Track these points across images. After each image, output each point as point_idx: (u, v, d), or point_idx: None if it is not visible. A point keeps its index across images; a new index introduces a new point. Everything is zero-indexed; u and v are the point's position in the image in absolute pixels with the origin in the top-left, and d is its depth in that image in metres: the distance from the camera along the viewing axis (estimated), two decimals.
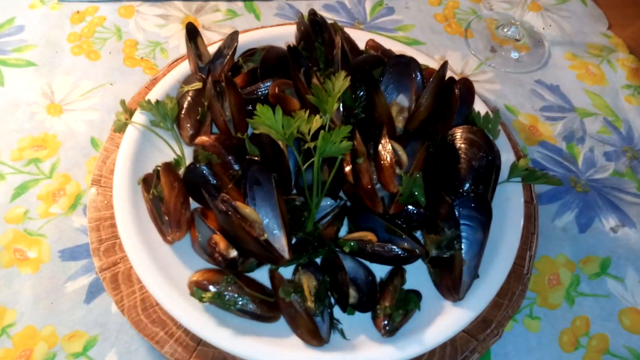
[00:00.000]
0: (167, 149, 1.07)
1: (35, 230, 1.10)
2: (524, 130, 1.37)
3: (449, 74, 1.09)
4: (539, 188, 1.23)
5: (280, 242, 0.88)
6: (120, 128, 1.09)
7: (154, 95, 1.11)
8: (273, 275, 0.88)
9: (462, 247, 0.90)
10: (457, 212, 0.91)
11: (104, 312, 1.02)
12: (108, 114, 1.28)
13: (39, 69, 1.36)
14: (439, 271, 0.92)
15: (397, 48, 1.23)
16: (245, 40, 1.20)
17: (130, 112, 1.10)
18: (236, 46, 1.13)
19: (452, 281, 0.90)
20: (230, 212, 0.82)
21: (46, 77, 1.34)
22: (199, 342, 0.92)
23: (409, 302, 0.89)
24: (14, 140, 1.23)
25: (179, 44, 1.43)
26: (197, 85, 1.09)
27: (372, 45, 1.21)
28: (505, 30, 1.55)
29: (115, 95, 1.32)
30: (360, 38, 1.25)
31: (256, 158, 0.89)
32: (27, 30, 1.43)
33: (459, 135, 1.00)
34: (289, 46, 1.03)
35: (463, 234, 0.92)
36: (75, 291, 1.04)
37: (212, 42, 1.26)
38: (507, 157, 1.09)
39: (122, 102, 1.09)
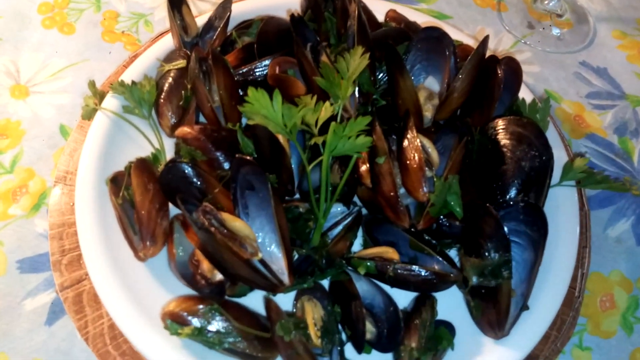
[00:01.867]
0: (144, 142, 0.88)
1: None
2: (569, 120, 1.17)
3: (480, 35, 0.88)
4: (588, 191, 1.04)
5: (279, 264, 0.70)
6: (89, 114, 0.90)
7: (129, 75, 0.92)
8: (269, 306, 0.70)
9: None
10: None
11: (69, 337, 0.85)
12: (81, 97, 1.08)
13: (2, 43, 1.17)
14: (481, 303, 0.73)
15: (423, 20, 1.02)
16: (241, 10, 1.01)
17: (101, 96, 0.91)
18: (229, 16, 0.94)
19: (496, 316, 0.71)
20: (213, 228, 0.63)
21: (11, 53, 1.16)
22: None
23: (441, 340, 0.71)
24: None
25: (167, 16, 1.23)
26: (181, 63, 0.89)
27: (394, 16, 1.01)
28: (545, 2, 1.34)
29: (91, 75, 1.13)
30: (379, 9, 1.05)
31: (248, 157, 0.70)
32: None
33: (504, 129, 0.80)
34: (292, 15, 0.83)
35: None
36: (34, 310, 0.87)
37: (204, 12, 1.06)
38: (557, 155, 0.89)
39: (91, 84, 0.90)
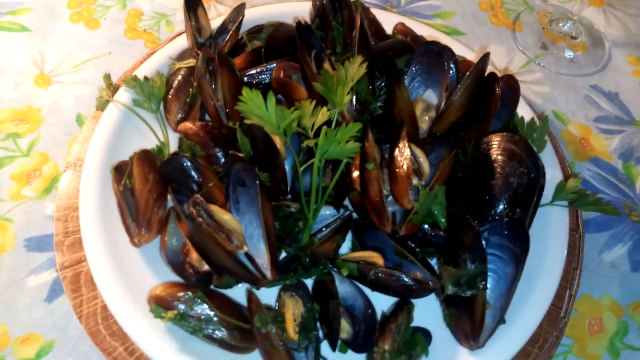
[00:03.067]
0: (151, 135, 0.92)
1: (3, 213, 0.98)
2: (574, 142, 1.16)
3: (490, 69, 0.90)
4: (586, 213, 1.04)
5: (263, 257, 0.73)
6: (102, 106, 0.95)
7: (142, 71, 0.97)
8: (250, 298, 0.72)
9: (488, 284, 0.72)
10: (485, 240, 0.74)
11: (66, 315, 0.89)
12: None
13: (31, 34, 1.23)
14: (456, 312, 0.74)
15: (430, 34, 1.05)
16: (254, 16, 1.05)
17: (115, 89, 0.96)
18: (241, 20, 0.98)
19: (470, 325, 0.72)
20: (201, 218, 0.67)
21: (39, 43, 1.22)
22: None
23: (415, 345, 0.72)
24: None
25: None
26: (191, 62, 0.94)
27: (401, 29, 1.04)
28: (560, 25, 1.34)
29: (111, 69, 1.18)
30: (389, 21, 1.08)
31: (241, 154, 0.73)
32: None
33: (497, 145, 0.82)
34: (298, 22, 0.86)
35: (490, 267, 0.74)
36: (36, 287, 0.91)
37: (222, 14, 1.10)
38: (552, 174, 0.90)
39: (107, 77, 0.95)
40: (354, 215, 0.86)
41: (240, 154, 0.73)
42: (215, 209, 0.70)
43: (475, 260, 0.71)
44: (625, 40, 1.36)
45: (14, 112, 1.11)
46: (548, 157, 0.91)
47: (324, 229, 0.83)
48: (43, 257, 0.95)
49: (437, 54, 0.87)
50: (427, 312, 0.80)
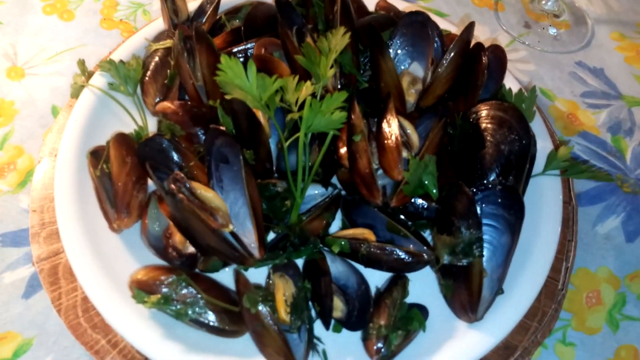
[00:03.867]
0: (128, 119, 0.89)
1: None
2: (562, 118, 1.15)
3: (478, 37, 0.88)
4: (578, 187, 1.02)
5: (250, 236, 0.69)
6: (77, 92, 0.91)
7: (118, 55, 0.94)
8: (238, 278, 0.69)
9: (484, 253, 0.70)
10: (479, 209, 0.71)
11: (44, 310, 0.85)
12: None
13: (3, 27, 1.19)
14: (452, 283, 0.71)
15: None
16: None
17: (90, 75, 0.92)
18: (219, 1, 0.94)
19: (468, 297, 0.69)
20: (182, 195, 0.63)
21: (10, 37, 1.18)
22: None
23: (411, 320, 0.69)
24: None
25: None
26: (168, 43, 0.90)
27: (384, 6, 1.02)
28: (543, 2, 1.33)
29: (87, 60, 1.13)
30: (371, 1, 1.05)
31: (222, 128, 0.70)
32: None
33: (485, 113, 0.80)
34: None
35: (485, 237, 0.72)
36: (12, 283, 0.87)
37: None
38: (542, 145, 0.89)
39: (80, 62, 0.92)
40: (343, 193, 0.83)
41: (222, 128, 0.70)
42: (197, 185, 0.67)
43: (470, 226, 0.68)
44: (608, 18, 1.36)
45: None
46: (537, 128, 0.89)
47: (312, 210, 0.80)
48: (19, 252, 0.90)
49: (421, 24, 0.84)
50: (423, 288, 0.77)
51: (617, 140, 1.12)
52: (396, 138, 0.73)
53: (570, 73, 1.24)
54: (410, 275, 0.76)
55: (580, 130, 1.13)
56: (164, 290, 0.67)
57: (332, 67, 0.75)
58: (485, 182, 0.75)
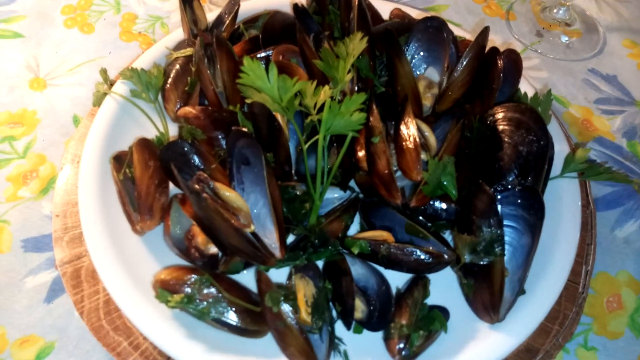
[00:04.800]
0: (149, 126, 0.90)
1: None
2: (577, 124, 1.16)
3: (489, 45, 0.89)
4: (595, 192, 1.02)
5: (271, 237, 0.70)
6: (99, 100, 0.93)
7: (140, 63, 0.96)
8: (260, 277, 0.69)
9: (505, 253, 0.70)
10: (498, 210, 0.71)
11: (66, 314, 0.86)
12: None
13: (25, 40, 1.23)
14: (474, 283, 0.71)
15: None
16: (250, 7, 1.04)
17: (112, 84, 0.95)
18: (237, 10, 0.97)
19: (490, 297, 0.69)
20: (205, 194, 0.64)
21: (33, 49, 1.21)
22: (168, 357, 0.74)
23: (433, 321, 0.69)
24: None
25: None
26: (188, 51, 0.92)
27: (398, 14, 1.03)
28: (554, 11, 1.35)
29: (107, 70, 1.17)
30: (385, 9, 1.07)
31: (245, 129, 0.71)
32: (18, 1, 1.30)
33: (502, 115, 0.80)
34: (295, 5, 0.86)
35: (506, 238, 0.72)
36: (35, 288, 0.88)
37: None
38: (559, 149, 0.89)
39: (103, 71, 0.94)
40: (361, 196, 0.84)
41: (244, 129, 0.71)
42: (219, 186, 0.68)
43: (490, 225, 0.68)
44: (619, 25, 1.37)
45: (9, 115, 1.09)
46: (554, 132, 0.89)
47: (330, 213, 0.81)
48: (41, 257, 0.92)
49: (437, 29, 0.86)
50: (444, 290, 0.77)
51: (633, 145, 1.12)
52: (414, 139, 0.74)
53: (583, 80, 1.24)
54: (431, 278, 0.76)
55: (596, 136, 1.13)
56: (187, 290, 0.67)
57: (349, 71, 0.76)
58: (504, 183, 0.75)
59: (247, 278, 0.77)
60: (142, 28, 1.28)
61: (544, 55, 1.28)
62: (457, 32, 0.99)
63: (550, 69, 1.26)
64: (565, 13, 1.34)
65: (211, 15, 1.04)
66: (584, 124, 1.16)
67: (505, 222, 0.73)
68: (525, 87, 0.95)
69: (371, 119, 0.76)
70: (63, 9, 1.30)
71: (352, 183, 0.86)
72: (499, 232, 0.68)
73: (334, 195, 0.84)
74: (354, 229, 0.84)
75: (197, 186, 0.65)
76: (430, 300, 0.74)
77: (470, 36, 1.04)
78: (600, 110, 1.19)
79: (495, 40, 1.31)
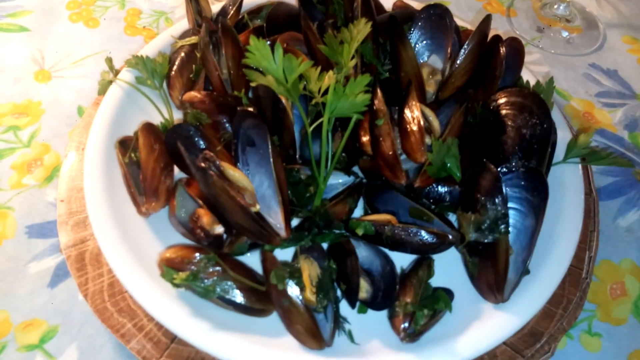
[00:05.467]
0: (154, 113, 0.91)
1: (3, 202, 0.96)
2: (578, 116, 1.16)
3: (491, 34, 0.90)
4: (597, 182, 1.03)
5: (276, 217, 0.70)
6: (105, 89, 0.94)
7: (145, 52, 0.97)
8: (265, 256, 0.70)
9: (509, 238, 0.70)
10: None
11: (69, 299, 0.86)
12: None
13: (31, 34, 1.24)
14: (478, 261, 0.71)
15: None
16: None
17: (116, 72, 0.95)
18: (241, 1, 0.98)
19: (494, 276, 0.69)
20: (211, 171, 0.64)
21: (38, 42, 1.22)
22: (173, 338, 0.74)
23: (437, 300, 0.69)
24: None
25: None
26: (193, 39, 0.93)
27: (400, 5, 1.04)
28: (555, 7, 1.36)
29: None
30: (387, 2, 1.08)
31: (250, 109, 0.72)
32: None
33: (505, 100, 0.81)
34: None
35: (510, 220, 0.72)
36: (38, 273, 0.88)
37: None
38: (562, 135, 0.89)
39: (108, 59, 0.94)
40: (364, 181, 0.84)
41: (250, 109, 0.71)
42: (225, 165, 0.68)
43: (495, 203, 0.68)
44: (619, 22, 1.38)
45: (14, 106, 1.10)
46: (556, 119, 0.90)
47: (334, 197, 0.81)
48: (45, 243, 0.92)
49: (440, 17, 0.87)
50: (448, 272, 0.77)
51: (635, 137, 1.13)
52: (419, 122, 0.74)
53: (584, 74, 1.25)
54: (435, 261, 0.76)
55: (597, 128, 1.14)
56: (192, 268, 0.68)
57: (353, 57, 0.77)
58: (507, 165, 0.75)
59: (251, 261, 0.77)
60: (146, 23, 1.29)
61: (545, 50, 1.29)
62: (459, 23, 1.00)
63: (551, 63, 1.27)
64: (566, 9, 1.36)
65: (215, 7, 1.05)
66: (585, 116, 1.17)
67: (509, 205, 0.73)
68: (527, 76, 0.96)
69: (375, 102, 0.77)
70: (68, 4, 1.31)
71: (356, 169, 0.86)
72: (503, 210, 0.68)
73: (338, 181, 0.84)
74: (357, 214, 0.84)
75: (203, 164, 0.65)
76: (434, 282, 0.74)
77: (472, 27, 1.04)
78: (601, 104, 1.19)
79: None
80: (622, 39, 1.34)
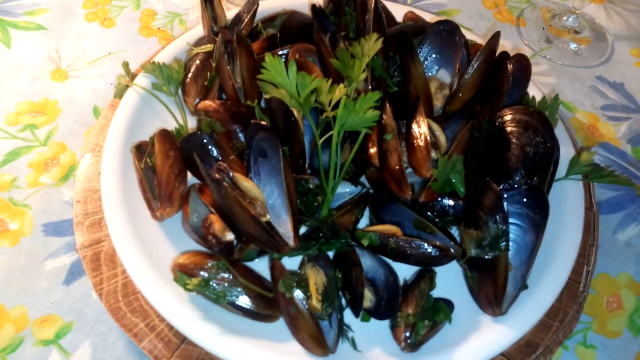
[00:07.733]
0: (169, 119, 0.94)
1: (21, 200, 0.99)
2: (582, 129, 1.18)
3: (499, 50, 0.92)
4: (598, 195, 1.05)
5: (286, 227, 0.73)
6: (121, 92, 0.97)
7: (160, 58, 0.99)
8: (274, 264, 0.73)
9: (509, 253, 0.73)
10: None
11: (84, 297, 0.89)
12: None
13: (48, 32, 1.26)
14: (478, 276, 0.74)
15: None
16: (268, 6, 1.07)
17: (133, 76, 0.98)
18: (256, 9, 1.00)
19: (493, 290, 0.72)
20: (225, 182, 0.67)
21: (55, 41, 1.25)
22: (183, 339, 0.77)
23: (438, 312, 0.72)
24: (11, 104, 1.13)
25: (200, 16, 1.31)
26: (209, 47, 0.96)
27: (411, 17, 1.06)
28: (564, 19, 1.37)
29: None
30: (398, 13, 1.10)
31: (263, 123, 0.74)
32: None
33: (511, 117, 0.83)
34: (313, 5, 0.89)
35: (510, 236, 0.75)
36: (54, 270, 0.92)
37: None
38: (565, 152, 0.91)
39: (125, 64, 0.97)
40: (371, 191, 0.87)
41: (262, 123, 0.74)
42: (238, 176, 0.71)
43: (496, 221, 0.71)
44: (628, 34, 1.39)
45: (31, 104, 1.13)
46: (560, 135, 0.92)
47: (341, 207, 0.84)
48: (61, 241, 0.95)
49: (449, 32, 0.89)
50: (449, 284, 0.80)
51: (638, 151, 1.15)
52: (425, 137, 0.77)
53: (590, 87, 1.27)
54: (437, 272, 0.79)
55: (601, 142, 1.16)
56: (204, 274, 0.71)
57: (363, 71, 0.79)
58: (510, 182, 0.78)
59: (260, 267, 0.80)
60: (160, 24, 1.31)
61: (552, 62, 1.31)
62: (468, 36, 1.02)
63: (558, 75, 1.29)
64: (575, 21, 1.37)
65: (230, 13, 1.07)
66: (589, 129, 1.18)
67: (511, 220, 0.76)
68: (534, 92, 0.98)
69: (384, 117, 0.79)
70: (84, 3, 1.34)
71: (363, 179, 0.89)
72: (504, 228, 0.71)
73: (345, 190, 0.87)
74: (363, 224, 0.86)
75: (217, 175, 0.68)
76: (435, 293, 0.77)
77: (481, 40, 1.06)
78: (606, 117, 1.21)
79: (506, 45, 1.34)
80: (630, 52, 1.36)
